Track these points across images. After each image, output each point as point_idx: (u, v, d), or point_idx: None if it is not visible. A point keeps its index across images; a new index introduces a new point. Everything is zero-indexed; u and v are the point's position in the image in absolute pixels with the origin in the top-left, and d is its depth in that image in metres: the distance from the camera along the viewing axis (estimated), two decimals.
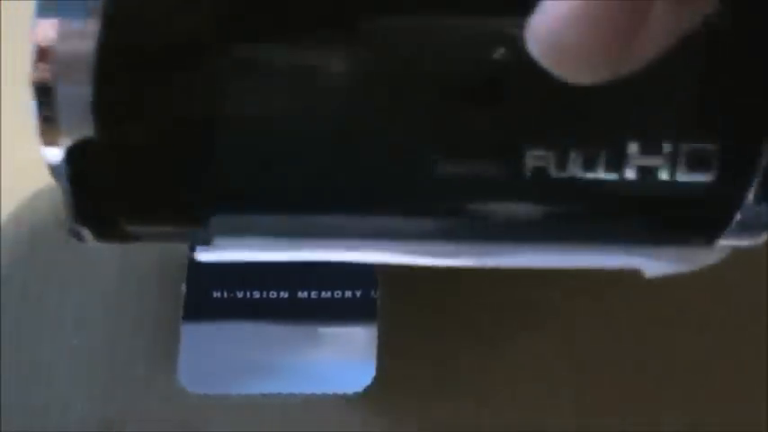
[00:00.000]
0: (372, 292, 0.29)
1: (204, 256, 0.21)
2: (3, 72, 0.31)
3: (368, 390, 0.27)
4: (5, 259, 0.29)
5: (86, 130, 0.20)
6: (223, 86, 0.19)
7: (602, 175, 0.19)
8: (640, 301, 0.27)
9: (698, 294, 0.27)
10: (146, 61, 0.19)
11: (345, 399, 0.27)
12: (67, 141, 0.20)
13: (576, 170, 0.19)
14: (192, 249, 0.29)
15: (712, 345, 0.27)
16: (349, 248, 0.21)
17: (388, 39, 0.19)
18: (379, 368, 0.27)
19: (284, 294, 0.29)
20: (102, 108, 0.19)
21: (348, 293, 0.29)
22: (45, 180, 0.25)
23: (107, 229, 0.21)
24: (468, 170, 0.19)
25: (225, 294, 0.29)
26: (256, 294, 0.29)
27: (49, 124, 0.20)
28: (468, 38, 0.19)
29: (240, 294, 0.29)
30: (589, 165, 0.19)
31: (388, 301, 0.28)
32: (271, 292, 0.29)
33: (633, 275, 0.26)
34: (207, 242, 0.21)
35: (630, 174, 0.19)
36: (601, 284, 0.27)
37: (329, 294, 0.29)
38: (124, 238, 0.21)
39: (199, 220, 0.21)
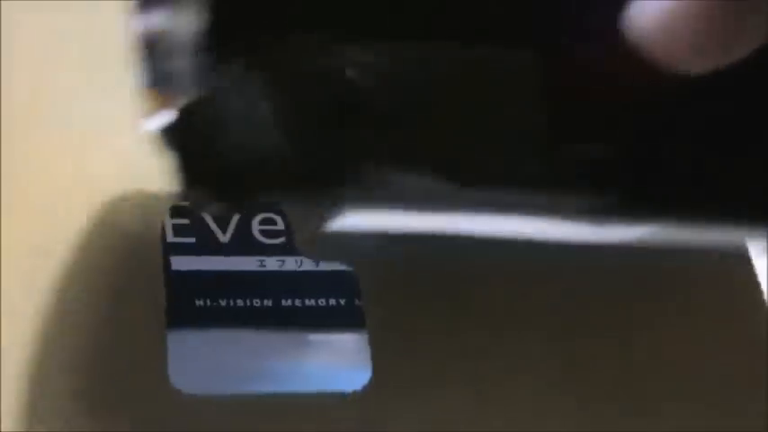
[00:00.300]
0: (356, 300, 0.28)
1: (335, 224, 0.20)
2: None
3: (365, 388, 0.27)
4: None
5: (203, 88, 0.19)
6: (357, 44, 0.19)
7: None
8: (631, 298, 0.29)
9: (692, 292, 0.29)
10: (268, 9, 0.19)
11: (342, 397, 0.27)
12: (180, 101, 0.19)
13: None
14: (167, 259, 0.28)
15: (707, 343, 0.29)
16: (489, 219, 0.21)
17: None
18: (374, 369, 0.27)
19: (268, 303, 0.28)
20: (221, 61, 0.18)
21: (332, 301, 0.28)
22: None
23: (230, 191, 0.20)
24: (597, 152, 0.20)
25: (208, 303, 0.28)
26: (240, 302, 0.28)
27: (159, 82, 0.19)
28: None
29: (223, 303, 0.28)
30: None
31: (374, 307, 0.28)
32: (254, 301, 0.28)
33: (621, 276, 0.28)
34: (336, 211, 0.20)
35: None
36: (587, 283, 0.28)
37: (313, 302, 0.28)
38: (243, 199, 0.20)
39: (331, 186, 0.20)
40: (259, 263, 0.29)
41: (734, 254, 0.28)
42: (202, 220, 0.29)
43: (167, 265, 0.28)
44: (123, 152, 0.27)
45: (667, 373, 0.28)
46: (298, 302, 0.28)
